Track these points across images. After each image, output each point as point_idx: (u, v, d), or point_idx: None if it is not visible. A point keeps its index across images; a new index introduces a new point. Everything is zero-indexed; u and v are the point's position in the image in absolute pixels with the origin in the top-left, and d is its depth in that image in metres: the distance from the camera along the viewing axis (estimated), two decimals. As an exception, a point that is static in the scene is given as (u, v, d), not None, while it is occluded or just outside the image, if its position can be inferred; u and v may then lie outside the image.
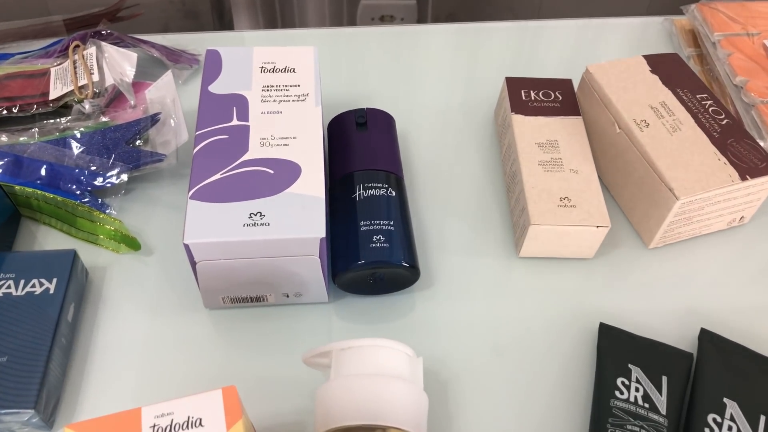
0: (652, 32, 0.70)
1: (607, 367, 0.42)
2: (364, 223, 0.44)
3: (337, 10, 1.18)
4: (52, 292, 0.42)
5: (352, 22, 1.19)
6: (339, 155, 0.49)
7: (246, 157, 0.43)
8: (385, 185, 0.47)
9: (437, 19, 1.15)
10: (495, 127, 0.59)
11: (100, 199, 0.50)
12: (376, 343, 0.38)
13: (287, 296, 0.45)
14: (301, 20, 1.17)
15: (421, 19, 1.17)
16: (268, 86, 0.47)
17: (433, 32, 0.69)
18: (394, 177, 0.48)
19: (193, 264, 0.41)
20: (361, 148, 0.49)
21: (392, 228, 0.44)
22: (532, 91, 0.54)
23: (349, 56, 0.66)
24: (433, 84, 0.63)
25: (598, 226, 0.46)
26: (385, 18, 1.20)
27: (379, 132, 0.51)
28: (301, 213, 0.40)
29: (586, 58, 0.66)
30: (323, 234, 0.40)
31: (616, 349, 0.43)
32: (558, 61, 0.66)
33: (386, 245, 0.43)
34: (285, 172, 0.42)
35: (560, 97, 0.54)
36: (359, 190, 0.46)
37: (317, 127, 0.45)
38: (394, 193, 0.47)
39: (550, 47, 0.67)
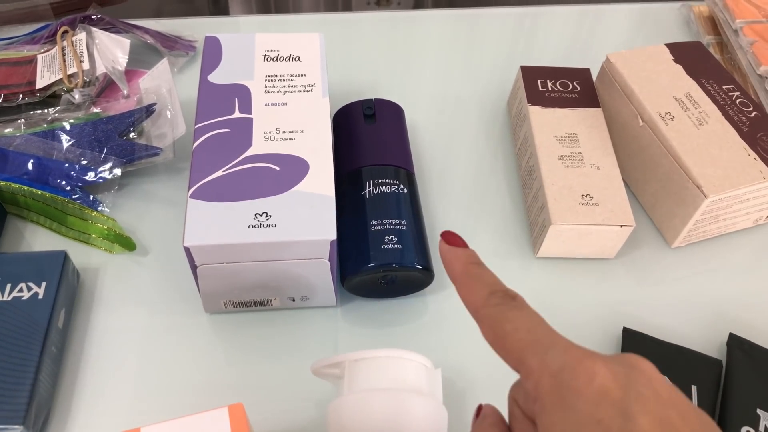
0: (667, 18, 0.67)
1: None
2: (375, 222, 0.42)
3: (332, -6, 1.15)
4: (41, 297, 0.40)
5: (347, 5, 1.16)
6: (346, 149, 0.46)
7: (250, 152, 0.40)
8: (396, 181, 0.44)
9: (438, 3, 1.12)
10: (508, 118, 0.56)
11: (91, 196, 0.47)
12: (391, 354, 0.35)
13: (293, 300, 0.42)
14: (295, 3, 1.14)
15: (418, 3, 1.14)
16: (271, 76, 0.44)
17: (436, 18, 0.66)
18: (405, 172, 0.45)
19: (194, 267, 0.38)
20: (369, 141, 0.46)
21: (404, 227, 0.42)
22: (548, 81, 0.51)
23: (348, 43, 0.63)
24: (439, 72, 0.60)
25: (621, 226, 0.43)
26: (381, 1, 1.17)
27: (389, 124, 0.48)
28: (310, 213, 0.38)
29: (600, 46, 0.64)
30: (334, 236, 0.37)
31: (642, 355, 0.41)
32: (570, 48, 0.63)
33: (399, 246, 0.41)
34: (292, 169, 0.39)
35: (578, 88, 0.51)
36: (369, 187, 0.43)
37: (325, 120, 0.42)
38: (405, 190, 0.44)
39: (561, 34, 0.65)
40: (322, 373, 0.37)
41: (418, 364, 0.35)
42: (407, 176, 0.45)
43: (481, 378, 0.41)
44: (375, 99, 0.48)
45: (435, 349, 0.42)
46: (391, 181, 0.44)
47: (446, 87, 0.59)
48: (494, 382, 0.41)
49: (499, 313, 0.23)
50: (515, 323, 0.23)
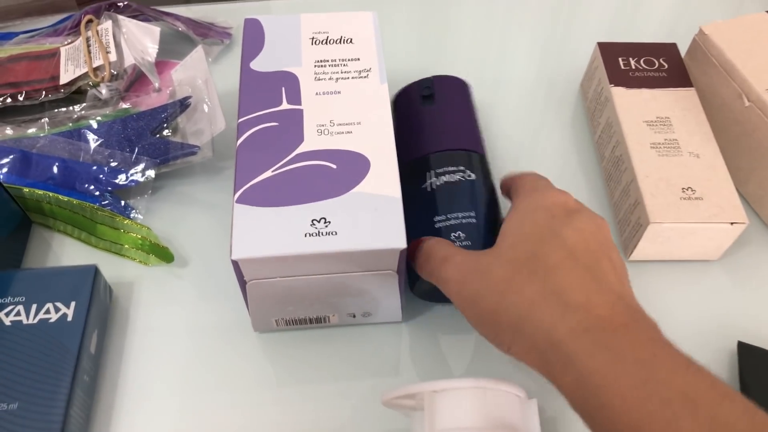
0: (749, -12, 0.60)
1: (757, 399, 0.34)
2: (439, 218, 0.36)
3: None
4: (70, 318, 0.35)
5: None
6: (403, 138, 0.41)
7: (301, 148, 0.35)
8: (460, 167, 0.38)
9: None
10: (582, 101, 0.50)
11: (123, 201, 0.42)
12: (478, 384, 0.30)
13: (353, 316, 0.37)
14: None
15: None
16: (321, 61, 0.39)
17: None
18: (471, 156, 0.39)
19: (243, 283, 0.33)
20: (428, 126, 0.41)
21: (473, 219, 0.36)
22: (631, 59, 0.45)
23: (398, 21, 0.57)
24: (500, 51, 0.54)
25: (732, 223, 0.37)
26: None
27: (451, 103, 0.42)
28: (375, 218, 0.32)
29: (683, 18, 0.57)
30: (404, 244, 0.31)
31: (765, 375, 0.35)
32: (648, 21, 0.57)
33: (467, 243, 0.35)
34: (350, 167, 0.34)
35: (665, 65, 0.45)
36: (429, 179, 0.38)
37: (385, 109, 0.37)
38: (473, 176, 0.38)
39: (637, 5, 0.58)
40: (395, 404, 0.32)
41: (511, 395, 0.30)
42: (475, 159, 0.39)
43: (574, 404, 0.35)
44: (434, 76, 0.43)
45: (518, 370, 0.37)
46: (455, 168, 0.38)
47: (508, 68, 0.53)
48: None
49: (526, 174, 0.34)
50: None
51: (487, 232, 0.36)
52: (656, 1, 0.59)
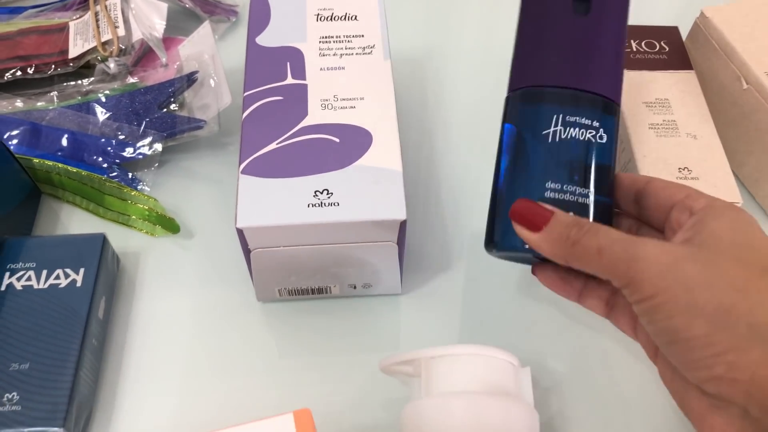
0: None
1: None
2: (553, 185, 0.29)
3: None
4: (79, 284, 0.36)
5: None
6: (531, 49, 0.32)
7: (305, 122, 0.36)
8: (595, 123, 0.29)
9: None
10: (583, 84, 0.50)
11: (130, 173, 0.43)
12: (474, 351, 0.31)
13: (354, 287, 0.38)
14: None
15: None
16: (326, 37, 0.40)
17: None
18: (611, 110, 0.30)
19: (247, 252, 0.34)
20: (575, 45, 0.30)
21: (587, 201, 0.29)
22: (632, 41, 0.46)
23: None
24: (508, 30, 0.55)
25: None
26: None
27: (610, 24, 0.31)
28: (376, 190, 0.33)
29: (686, 2, 0.57)
30: (404, 216, 0.32)
31: None
32: (652, 5, 0.57)
33: None
34: (353, 141, 0.35)
35: (666, 48, 0.45)
36: (556, 125, 0.29)
37: (388, 84, 0.38)
38: (604, 138, 0.29)
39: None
40: (393, 370, 0.33)
41: (505, 362, 0.31)
42: (612, 115, 0.30)
43: (567, 375, 0.36)
44: None
45: (513, 344, 0.38)
46: (589, 122, 0.29)
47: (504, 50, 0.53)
48: (582, 379, 0.36)
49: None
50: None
51: (597, 220, 0.29)
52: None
